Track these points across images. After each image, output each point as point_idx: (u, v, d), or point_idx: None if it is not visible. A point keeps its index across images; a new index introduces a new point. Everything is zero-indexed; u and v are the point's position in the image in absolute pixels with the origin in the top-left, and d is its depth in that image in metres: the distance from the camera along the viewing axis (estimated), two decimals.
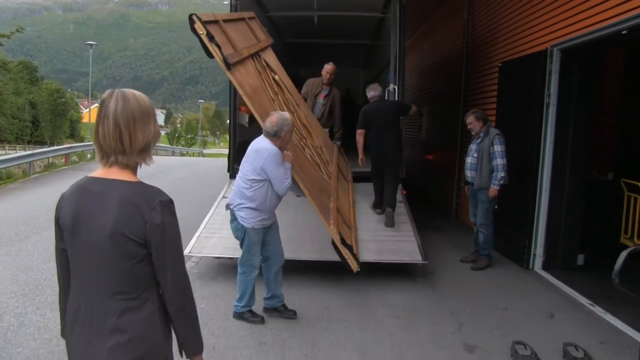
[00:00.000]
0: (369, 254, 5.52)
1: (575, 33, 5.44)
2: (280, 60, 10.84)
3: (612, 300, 4.98)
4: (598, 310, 4.94)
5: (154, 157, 1.80)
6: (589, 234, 6.38)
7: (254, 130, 9.12)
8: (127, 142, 1.64)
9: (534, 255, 6.27)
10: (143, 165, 1.75)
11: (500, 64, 7.31)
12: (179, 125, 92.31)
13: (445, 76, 10.83)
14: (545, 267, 6.23)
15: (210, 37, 4.59)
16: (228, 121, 8.43)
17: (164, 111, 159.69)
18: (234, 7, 7.30)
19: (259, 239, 4.34)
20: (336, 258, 5.21)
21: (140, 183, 1.69)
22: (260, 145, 4.24)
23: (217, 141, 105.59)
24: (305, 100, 7.35)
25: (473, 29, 9.05)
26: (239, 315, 4.54)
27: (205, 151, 56.98)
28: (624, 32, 4.71)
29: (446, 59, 10.84)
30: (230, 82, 7.52)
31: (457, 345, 4.15)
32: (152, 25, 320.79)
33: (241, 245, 4.38)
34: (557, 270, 6.09)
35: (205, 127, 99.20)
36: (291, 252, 5.42)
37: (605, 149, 7.23)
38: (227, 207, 4.38)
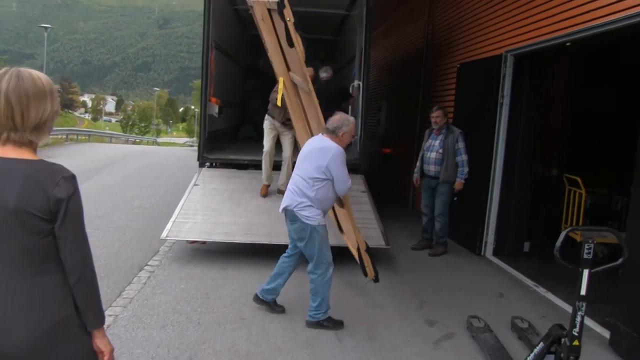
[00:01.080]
0: (336, 240, 5.87)
1: (527, 42, 5.99)
2: (243, 51, 10.77)
3: (553, 282, 5.65)
4: (541, 290, 5.57)
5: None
6: (535, 224, 7.06)
7: (223, 120, 9.33)
8: (19, 119, 1.65)
9: (486, 242, 6.86)
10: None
11: (458, 65, 7.82)
12: (130, 113, 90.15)
13: (405, 73, 11.29)
14: (495, 253, 6.83)
15: (297, 27, 4.38)
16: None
17: (115, 98, 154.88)
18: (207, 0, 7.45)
19: (327, 234, 4.22)
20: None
21: (42, 160, 1.71)
22: (324, 143, 4.13)
23: (169, 130, 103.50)
24: None
25: (433, 30, 9.54)
26: (317, 324, 4.23)
27: (158, 140, 56.08)
28: (567, 43, 5.29)
29: (407, 57, 11.30)
30: (202, 71, 7.72)
31: (420, 320, 4.61)
32: (104, 8, 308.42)
33: (304, 247, 4.20)
34: (506, 256, 6.70)
35: (157, 115, 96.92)
36: (266, 236, 5.79)
37: (551, 147, 7.88)
38: (284, 210, 4.22)
